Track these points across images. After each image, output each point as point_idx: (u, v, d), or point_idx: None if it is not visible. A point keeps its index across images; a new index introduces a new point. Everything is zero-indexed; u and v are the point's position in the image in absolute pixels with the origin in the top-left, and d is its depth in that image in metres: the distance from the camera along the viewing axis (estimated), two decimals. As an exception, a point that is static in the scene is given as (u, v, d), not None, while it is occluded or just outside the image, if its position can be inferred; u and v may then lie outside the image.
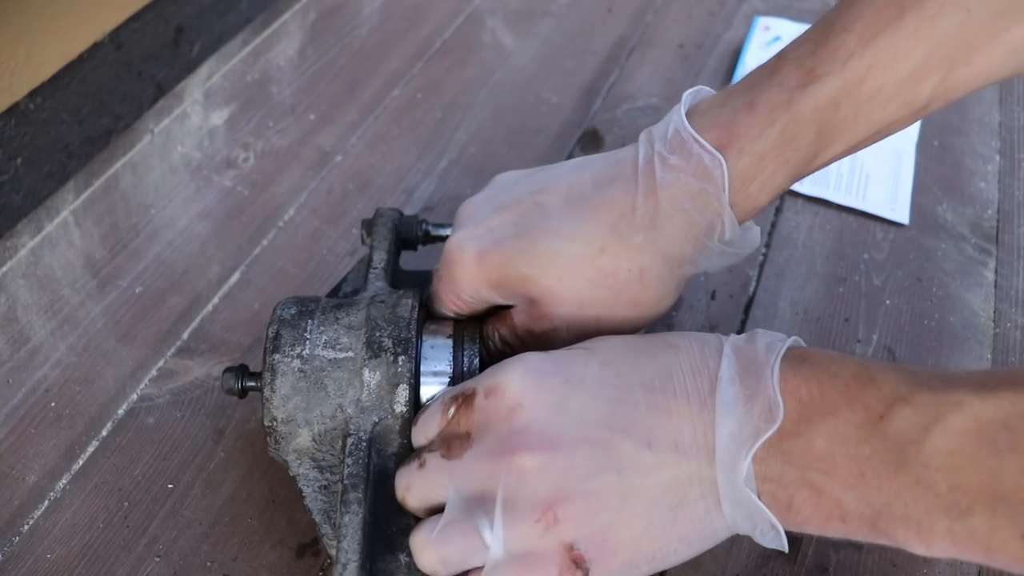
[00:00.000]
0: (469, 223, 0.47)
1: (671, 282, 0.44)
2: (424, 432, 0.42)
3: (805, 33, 0.43)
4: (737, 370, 0.38)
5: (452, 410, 0.41)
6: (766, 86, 0.42)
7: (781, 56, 0.43)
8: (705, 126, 0.42)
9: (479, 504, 0.39)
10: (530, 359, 0.41)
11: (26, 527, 0.48)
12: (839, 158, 0.44)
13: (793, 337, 0.39)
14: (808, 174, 0.44)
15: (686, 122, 0.43)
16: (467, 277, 0.46)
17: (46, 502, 0.49)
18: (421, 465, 0.41)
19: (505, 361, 0.41)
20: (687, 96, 0.44)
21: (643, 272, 0.43)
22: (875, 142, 0.43)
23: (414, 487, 0.41)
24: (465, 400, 0.41)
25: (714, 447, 0.37)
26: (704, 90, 0.45)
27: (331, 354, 0.43)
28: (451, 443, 0.41)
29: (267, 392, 0.43)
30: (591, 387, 0.39)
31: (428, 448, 0.42)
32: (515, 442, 0.38)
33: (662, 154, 0.43)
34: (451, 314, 0.48)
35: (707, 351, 0.39)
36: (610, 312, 0.44)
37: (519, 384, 0.39)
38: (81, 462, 0.51)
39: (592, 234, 0.43)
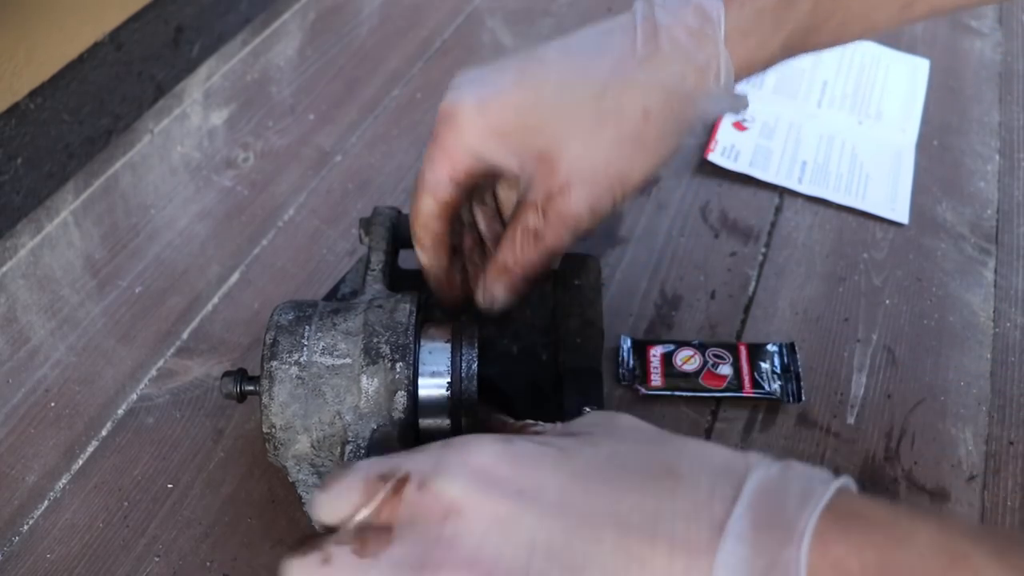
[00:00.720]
0: (464, 83, 0.44)
1: (673, 122, 0.44)
2: (335, 510, 0.34)
3: None
4: (753, 523, 0.29)
5: (378, 495, 0.33)
6: None
7: None
8: None
9: None
10: (485, 452, 0.33)
11: (26, 527, 0.48)
12: (831, 44, 0.45)
13: (844, 478, 0.30)
14: (801, 51, 0.45)
15: None
16: (468, 131, 0.43)
17: (46, 502, 0.49)
18: (325, 560, 0.33)
19: (454, 444, 0.34)
20: None
21: (646, 110, 0.43)
22: (865, 35, 0.45)
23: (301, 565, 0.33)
24: (396, 486, 0.33)
25: None
26: None
27: (329, 360, 0.43)
28: (366, 537, 0.33)
29: (265, 399, 0.43)
30: (550, 506, 0.31)
31: (336, 539, 0.33)
32: (441, 555, 0.31)
33: (662, 5, 0.44)
34: (444, 191, 0.44)
35: (718, 488, 0.30)
36: (618, 155, 0.43)
37: (462, 484, 0.32)
38: (81, 462, 0.51)
39: (594, 77, 0.43)
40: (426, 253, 0.48)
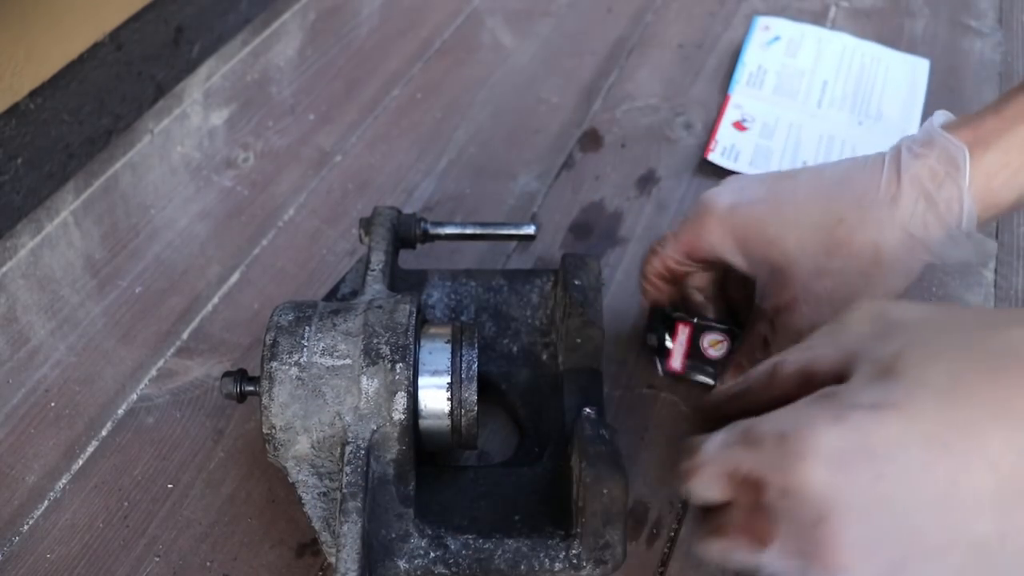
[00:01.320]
0: (729, 183, 0.49)
1: (905, 262, 0.45)
2: (705, 494, 0.36)
3: None
4: None
5: (739, 490, 0.34)
6: (1016, 96, 0.44)
7: None
8: (953, 127, 0.45)
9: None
10: (830, 444, 0.31)
11: (26, 527, 0.48)
12: None
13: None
14: None
15: (936, 124, 0.45)
16: (714, 227, 0.47)
17: (46, 502, 0.49)
18: (731, 548, 0.35)
19: (788, 436, 0.32)
20: (939, 113, 0.46)
21: (878, 247, 0.44)
22: None
23: (729, 563, 0.36)
24: (750, 488, 0.34)
25: None
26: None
27: (329, 361, 0.43)
28: (755, 528, 0.34)
29: (265, 400, 0.43)
30: (913, 482, 0.30)
31: (733, 529, 0.35)
32: (830, 558, 0.31)
33: (910, 147, 0.45)
34: (674, 263, 0.51)
35: None
36: (844, 283, 0.45)
37: (820, 487, 0.31)
38: (81, 462, 0.51)
39: (834, 206, 0.45)
40: (646, 296, 0.54)
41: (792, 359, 0.37)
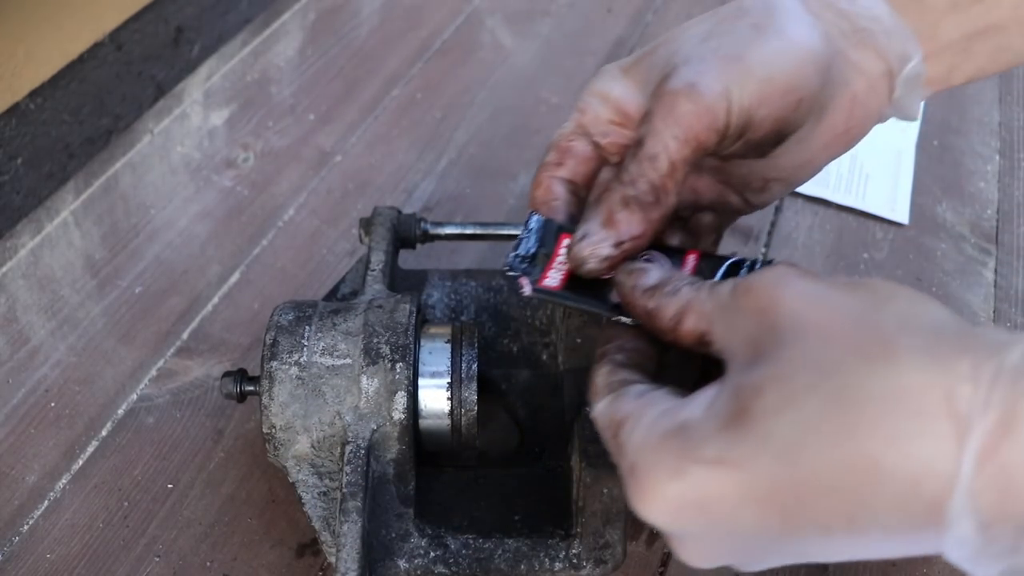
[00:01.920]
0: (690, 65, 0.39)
1: (799, 19, 0.40)
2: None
3: None
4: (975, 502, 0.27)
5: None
6: None
7: None
8: None
9: None
10: (664, 492, 0.32)
11: (26, 527, 0.48)
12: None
13: None
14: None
15: None
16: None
17: (46, 502, 0.49)
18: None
19: (639, 466, 0.33)
20: None
21: (818, 63, 0.39)
22: None
23: None
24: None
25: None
26: None
27: (329, 361, 0.43)
28: None
29: (265, 399, 0.43)
30: (736, 527, 0.31)
31: None
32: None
33: None
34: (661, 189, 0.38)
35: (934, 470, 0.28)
36: (733, 41, 0.39)
37: (662, 527, 0.33)
38: (81, 462, 0.51)
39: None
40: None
41: (693, 315, 0.35)
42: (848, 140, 0.42)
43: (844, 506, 0.29)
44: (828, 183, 0.69)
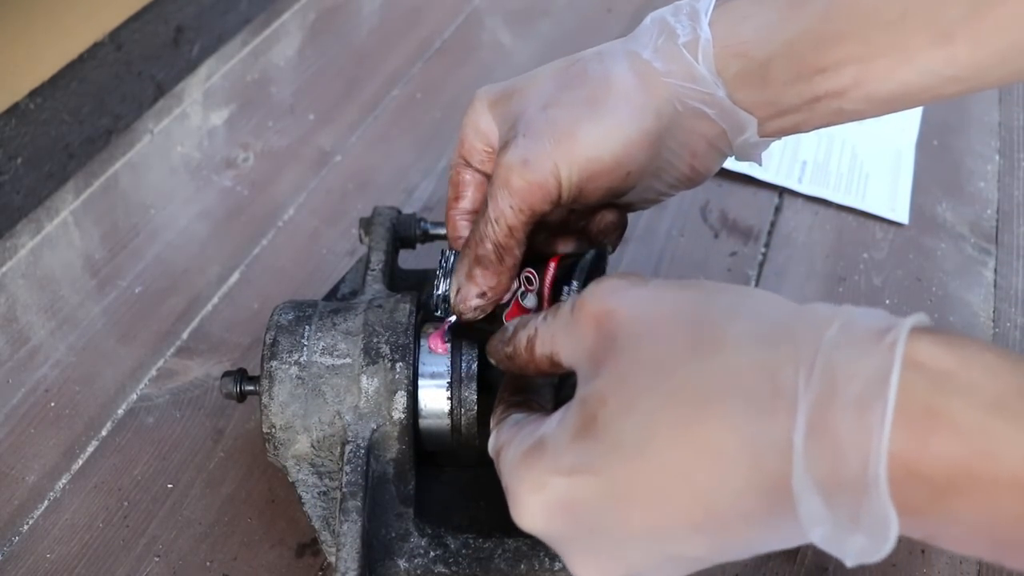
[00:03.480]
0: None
1: (640, 93, 0.41)
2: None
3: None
4: (814, 462, 0.27)
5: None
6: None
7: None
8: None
9: None
10: (532, 503, 0.34)
11: (26, 527, 0.48)
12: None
13: (917, 316, 0.30)
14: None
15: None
16: (480, 112, 0.44)
17: (46, 502, 0.49)
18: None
19: (511, 486, 0.35)
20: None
21: (608, 75, 0.41)
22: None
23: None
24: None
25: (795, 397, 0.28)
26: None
27: (329, 360, 0.43)
28: None
29: (265, 399, 0.43)
30: (610, 527, 0.32)
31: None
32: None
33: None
34: (513, 236, 0.42)
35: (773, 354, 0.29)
36: (570, 114, 0.41)
37: (544, 537, 0.35)
38: (81, 462, 0.51)
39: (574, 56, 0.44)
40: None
41: (541, 340, 0.37)
42: (695, 182, 0.44)
43: (700, 496, 0.30)
44: (828, 183, 0.69)
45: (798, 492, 0.27)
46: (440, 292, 0.45)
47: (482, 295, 0.43)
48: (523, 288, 0.44)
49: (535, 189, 0.40)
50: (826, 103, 0.40)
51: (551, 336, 0.37)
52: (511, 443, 0.36)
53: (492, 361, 0.41)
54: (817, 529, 0.28)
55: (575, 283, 0.44)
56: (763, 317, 0.31)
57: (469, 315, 0.43)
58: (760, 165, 0.45)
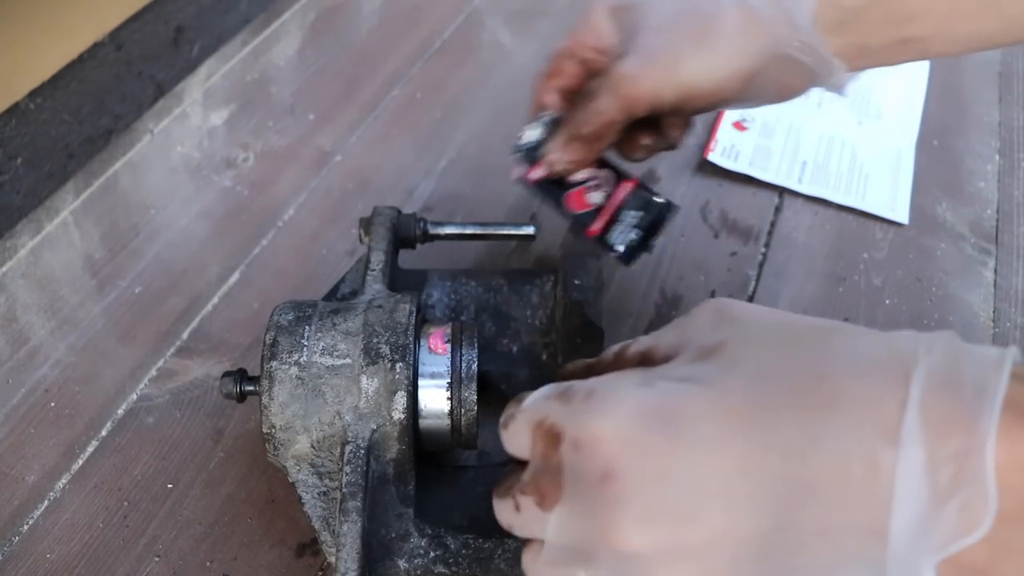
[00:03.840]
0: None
1: (742, 41, 0.46)
2: (514, 448, 0.37)
3: None
4: (928, 428, 0.27)
5: (539, 444, 0.34)
6: None
7: None
8: None
9: (580, 556, 0.32)
10: (629, 404, 0.31)
11: (26, 527, 0.48)
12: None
13: (1013, 350, 0.28)
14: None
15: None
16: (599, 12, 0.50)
17: (46, 502, 0.49)
18: (517, 508, 0.35)
19: (595, 394, 0.33)
20: None
21: (717, 14, 0.46)
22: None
23: (516, 527, 0.36)
24: (549, 440, 0.34)
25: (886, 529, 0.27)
26: None
27: (329, 361, 0.43)
28: (543, 487, 0.34)
29: (265, 399, 0.43)
30: (707, 453, 0.30)
31: (521, 487, 0.35)
32: (607, 517, 0.31)
33: None
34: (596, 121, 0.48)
35: (881, 391, 0.28)
36: (677, 44, 0.47)
37: (612, 442, 0.31)
38: (81, 462, 0.51)
39: None
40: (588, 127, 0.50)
41: (638, 343, 0.38)
42: (780, 102, 0.49)
43: (806, 422, 0.29)
44: (828, 183, 0.69)
45: (905, 434, 0.27)
46: (526, 141, 0.52)
47: (570, 163, 0.50)
48: (596, 181, 0.52)
49: (637, 101, 0.47)
50: (912, 45, 0.45)
51: (653, 337, 0.38)
52: (590, 380, 0.34)
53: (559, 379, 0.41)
54: (910, 503, 0.27)
55: (636, 217, 0.51)
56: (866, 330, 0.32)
57: (556, 167, 0.51)
58: (844, 96, 0.49)
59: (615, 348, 0.40)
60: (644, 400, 0.31)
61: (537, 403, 0.35)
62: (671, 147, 0.53)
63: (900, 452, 0.27)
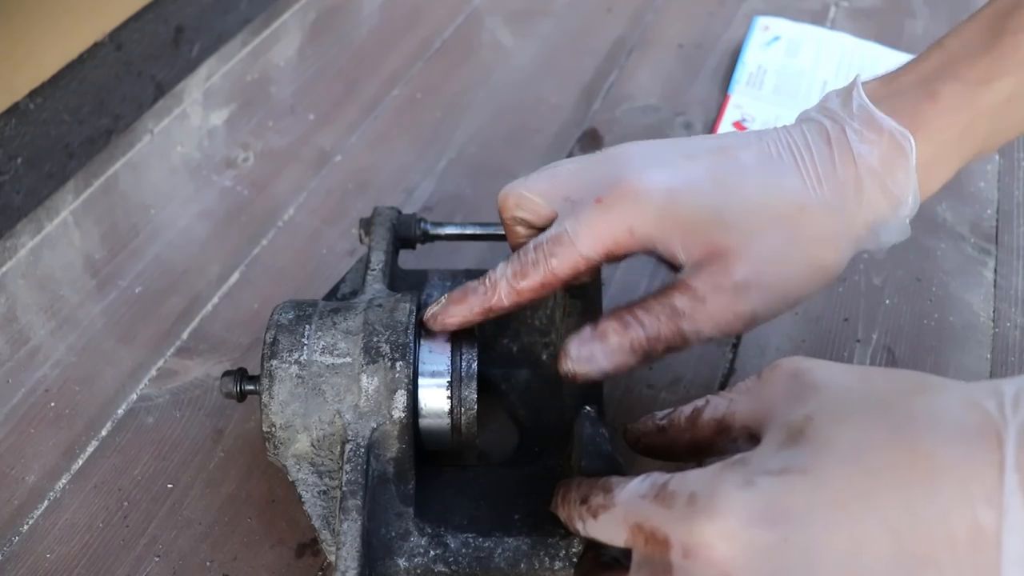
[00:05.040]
0: (651, 162, 0.43)
1: (853, 250, 0.44)
2: (605, 535, 0.36)
3: (967, 28, 0.44)
4: None
5: (641, 541, 0.34)
6: (944, 79, 0.43)
7: (947, 51, 0.44)
8: (890, 109, 0.43)
9: None
10: (737, 507, 0.31)
11: (26, 527, 0.48)
12: (998, 147, 0.46)
13: None
14: (969, 162, 0.45)
15: (864, 99, 0.43)
16: (648, 217, 0.41)
17: (46, 502, 0.49)
18: None
19: (699, 499, 0.32)
20: (860, 81, 0.44)
21: (837, 236, 0.42)
22: None
23: None
24: (654, 543, 0.33)
25: None
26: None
27: (329, 360, 0.43)
28: None
29: (265, 398, 0.43)
30: (818, 544, 0.30)
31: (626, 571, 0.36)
32: None
33: (854, 127, 0.43)
34: (587, 264, 0.42)
35: (975, 457, 0.29)
36: (796, 276, 0.42)
37: (725, 549, 0.31)
38: (81, 462, 0.51)
39: (793, 191, 0.42)
40: (511, 300, 0.44)
41: (712, 407, 0.38)
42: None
43: (909, 505, 0.29)
44: (828, 183, 0.69)
45: (1007, 500, 0.28)
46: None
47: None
48: None
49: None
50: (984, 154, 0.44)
51: (728, 401, 0.38)
52: (689, 472, 0.34)
53: (629, 439, 0.42)
54: (1019, 566, 0.28)
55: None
56: (956, 380, 0.33)
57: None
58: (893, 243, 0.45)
59: (686, 411, 0.39)
60: (750, 503, 0.31)
61: (634, 501, 0.35)
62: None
63: (1003, 517, 0.28)
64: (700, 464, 0.36)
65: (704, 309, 0.41)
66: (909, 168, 0.42)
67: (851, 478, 0.30)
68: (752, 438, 0.36)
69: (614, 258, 0.43)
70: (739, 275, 0.41)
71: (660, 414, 0.41)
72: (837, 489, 0.30)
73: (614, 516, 0.35)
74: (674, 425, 0.40)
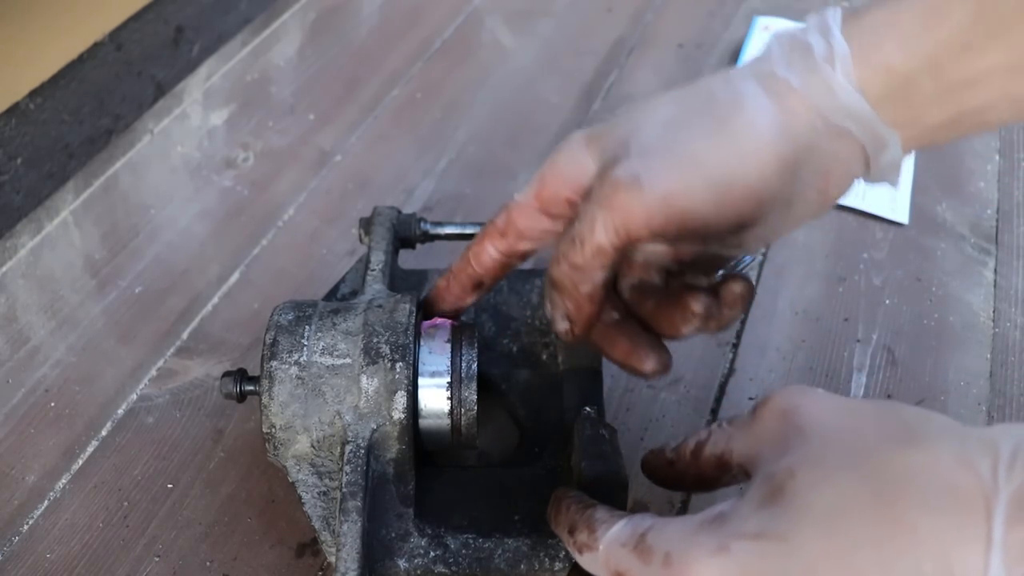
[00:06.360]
0: (642, 160, 0.38)
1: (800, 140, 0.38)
2: (592, 570, 0.37)
3: None
4: (1010, 558, 0.27)
5: None
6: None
7: None
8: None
9: None
10: (708, 565, 0.31)
11: (26, 527, 0.48)
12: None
13: None
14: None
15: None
16: (654, 212, 0.37)
17: (46, 502, 0.49)
18: None
19: (673, 559, 0.32)
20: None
21: (758, 109, 0.37)
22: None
23: None
24: None
25: None
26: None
27: (329, 360, 0.43)
28: None
29: (265, 399, 0.43)
30: None
31: None
32: None
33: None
34: (597, 271, 0.39)
35: (963, 520, 0.28)
36: (716, 153, 0.37)
37: None
38: (81, 462, 0.51)
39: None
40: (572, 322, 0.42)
41: (712, 442, 0.38)
42: (819, 213, 0.41)
43: (888, 572, 0.29)
44: (828, 183, 0.69)
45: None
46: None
47: (565, 318, 0.41)
48: None
49: (640, 210, 0.37)
50: (971, 117, 0.37)
51: (726, 436, 0.37)
52: (669, 523, 0.34)
53: (646, 471, 0.42)
54: None
55: None
56: (954, 424, 0.32)
57: (566, 337, 0.42)
58: (896, 187, 0.42)
59: (690, 445, 0.39)
60: (723, 570, 0.31)
61: (614, 549, 0.35)
62: (721, 324, 0.42)
63: None
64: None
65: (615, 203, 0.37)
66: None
67: (828, 547, 0.30)
68: (748, 475, 0.36)
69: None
70: (633, 156, 0.37)
71: (670, 447, 0.41)
72: (813, 559, 0.30)
73: (596, 558, 0.36)
74: (681, 459, 0.40)
